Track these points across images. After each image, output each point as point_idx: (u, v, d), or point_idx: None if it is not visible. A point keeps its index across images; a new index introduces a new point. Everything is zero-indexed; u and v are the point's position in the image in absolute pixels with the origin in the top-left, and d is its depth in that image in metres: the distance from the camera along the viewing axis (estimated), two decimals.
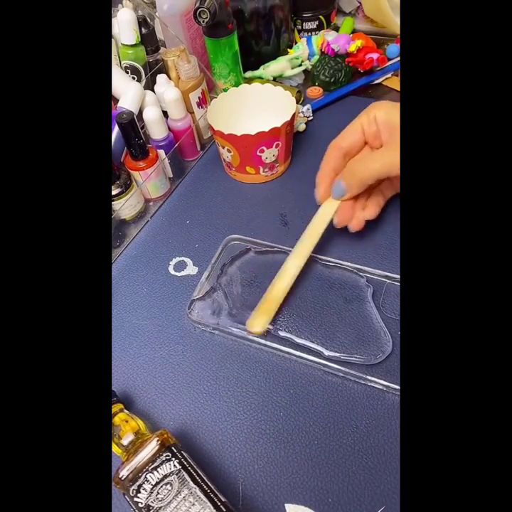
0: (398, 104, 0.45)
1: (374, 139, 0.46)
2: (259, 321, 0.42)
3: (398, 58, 0.70)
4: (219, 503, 0.30)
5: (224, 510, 0.30)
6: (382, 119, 0.45)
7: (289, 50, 0.71)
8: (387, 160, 0.43)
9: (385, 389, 0.38)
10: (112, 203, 0.51)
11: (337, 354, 0.40)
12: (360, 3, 0.77)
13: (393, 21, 0.70)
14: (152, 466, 0.32)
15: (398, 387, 0.37)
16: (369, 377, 0.38)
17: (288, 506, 0.33)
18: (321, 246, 0.49)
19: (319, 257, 0.47)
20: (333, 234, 0.50)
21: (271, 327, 0.42)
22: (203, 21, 0.55)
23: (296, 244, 0.46)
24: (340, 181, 0.45)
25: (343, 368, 0.39)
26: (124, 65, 0.57)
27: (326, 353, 0.40)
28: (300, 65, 0.72)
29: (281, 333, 0.42)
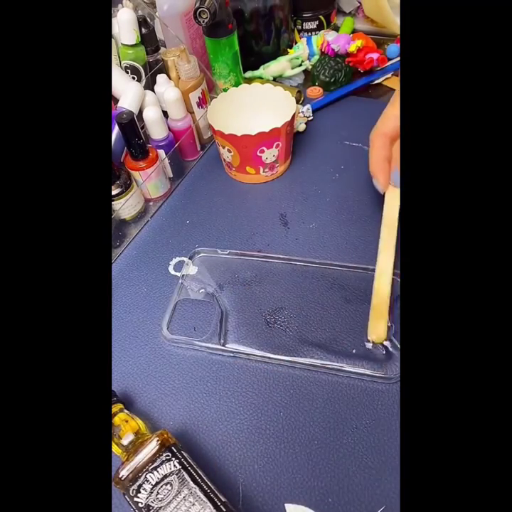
0: None
1: None
2: (379, 328, 0.40)
3: (398, 58, 0.70)
4: (219, 503, 0.30)
5: (224, 510, 0.30)
6: None
7: (289, 50, 0.71)
8: None
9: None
10: (112, 203, 0.51)
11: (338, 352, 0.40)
12: (360, 3, 0.77)
13: (393, 21, 0.70)
14: (152, 466, 0.32)
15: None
16: (368, 373, 0.38)
17: (288, 506, 0.33)
18: (321, 246, 0.49)
19: (320, 261, 0.48)
20: (336, 234, 0.50)
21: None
22: (203, 21, 0.55)
23: (380, 239, 0.45)
24: (397, 168, 0.45)
25: (343, 368, 0.39)
26: (124, 65, 0.57)
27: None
28: (300, 65, 0.72)
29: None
